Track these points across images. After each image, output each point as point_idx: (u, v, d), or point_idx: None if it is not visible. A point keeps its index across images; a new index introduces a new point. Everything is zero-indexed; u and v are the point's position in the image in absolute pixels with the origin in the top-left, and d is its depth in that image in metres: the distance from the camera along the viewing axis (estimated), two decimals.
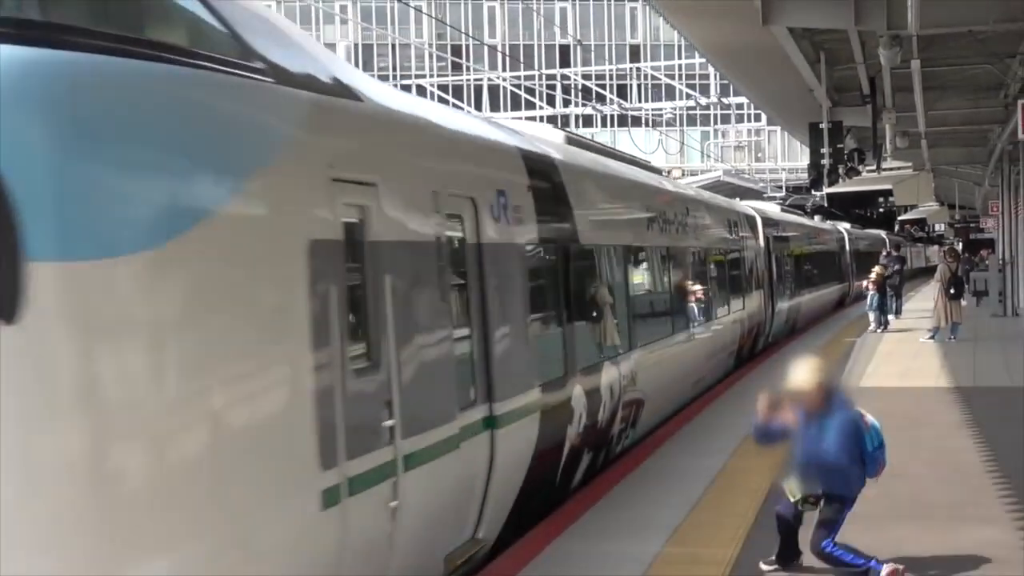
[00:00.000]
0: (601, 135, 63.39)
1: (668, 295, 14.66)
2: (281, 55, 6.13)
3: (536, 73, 50.74)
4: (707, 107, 55.14)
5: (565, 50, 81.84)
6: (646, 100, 69.81)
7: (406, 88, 34.40)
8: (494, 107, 58.30)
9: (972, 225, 57.92)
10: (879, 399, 7.51)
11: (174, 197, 4.94)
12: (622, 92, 64.68)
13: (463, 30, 71.34)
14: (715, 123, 74.69)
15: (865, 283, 27.86)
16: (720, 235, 19.04)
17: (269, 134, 5.70)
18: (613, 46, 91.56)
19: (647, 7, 50.36)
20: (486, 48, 70.63)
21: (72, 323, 4.47)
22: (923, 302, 30.52)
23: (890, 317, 27.14)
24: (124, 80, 4.91)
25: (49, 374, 4.44)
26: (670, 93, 61.91)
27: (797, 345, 22.95)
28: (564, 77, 51.61)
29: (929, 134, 27.55)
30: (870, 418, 7.27)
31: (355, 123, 6.67)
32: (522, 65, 61.52)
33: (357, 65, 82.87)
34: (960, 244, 54.00)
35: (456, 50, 72.07)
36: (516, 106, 45.43)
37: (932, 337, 22.97)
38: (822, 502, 7.11)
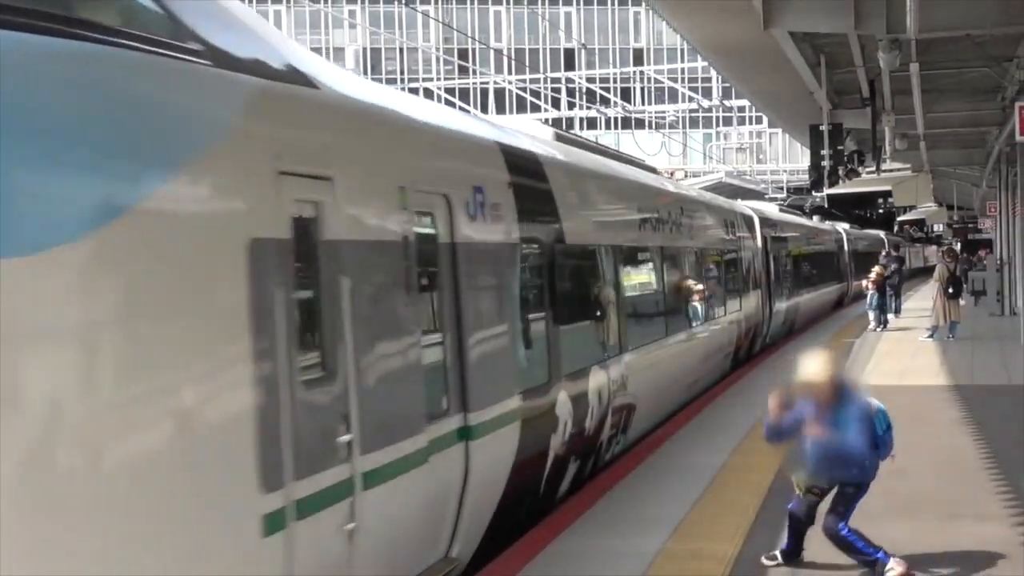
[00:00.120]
0: (605, 137, 63.26)
1: (661, 296, 14.09)
2: (224, 38, 5.57)
3: (541, 76, 50.78)
4: (709, 110, 55.15)
5: (570, 54, 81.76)
6: (649, 103, 69.78)
7: (413, 91, 34.37)
8: (500, 110, 58.34)
9: (970, 226, 57.87)
10: (879, 397, 7.43)
11: (87, 189, 4.41)
12: (626, 95, 64.64)
13: (470, 34, 71.33)
14: (717, 125, 74.71)
15: (865, 283, 27.83)
16: (716, 235, 18.52)
17: (202, 121, 5.10)
18: (617, 50, 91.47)
19: (650, 12, 50.40)
20: (492, 52, 70.60)
21: None
22: (922, 301, 30.49)
23: (889, 316, 27.13)
24: (30, 59, 4.35)
25: None
26: (673, 96, 61.82)
27: (797, 346, 22.91)
28: (569, 80, 51.56)
29: (928, 136, 27.51)
30: (875, 402, 7.28)
31: (308, 112, 6.08)
32: (527, 68, 61.57)
33: (365, 69, 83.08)
34: (958, 244, 53.91)
35: (463, 54, 71.99)
36: (522, 109, 45.41)
37: (931, 336, 22.95)
38: (837, 488, 7.09)
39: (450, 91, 41.85)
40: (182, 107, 5.03)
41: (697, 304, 16.06)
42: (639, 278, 13.33)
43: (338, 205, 5.95)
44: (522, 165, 9.40)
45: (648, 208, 13.77)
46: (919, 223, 73.93)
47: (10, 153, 4.11)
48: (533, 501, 9.00)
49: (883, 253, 33.09)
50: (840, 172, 23.27)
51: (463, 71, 63.77)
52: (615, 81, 65.00)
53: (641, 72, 71.11)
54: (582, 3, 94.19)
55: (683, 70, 62.69)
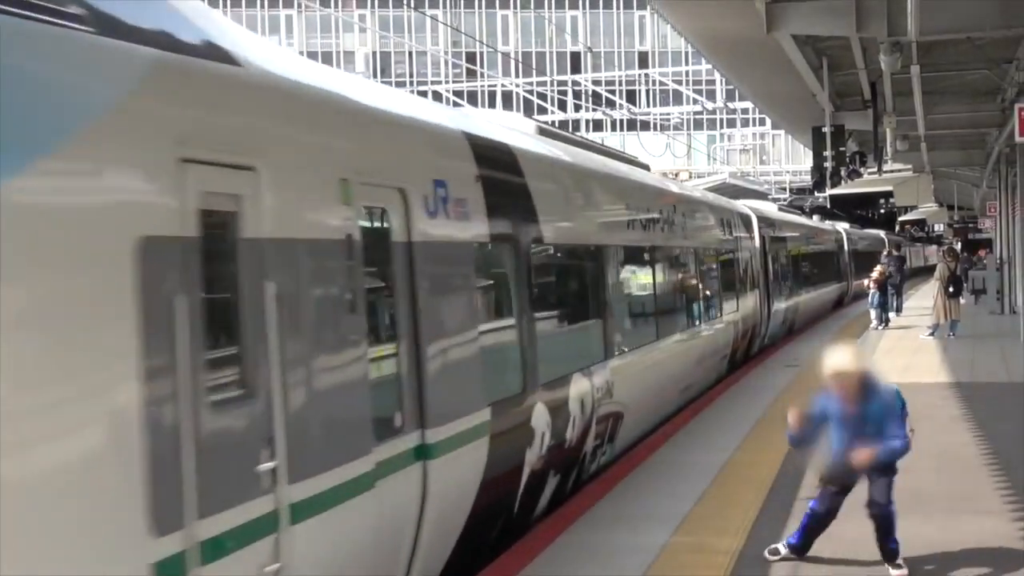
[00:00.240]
0: (611, 139, 63.30)
1: (652, 298, 13.23)
2: (118, 5, 4.74)
3: (548, 79, 50.78)
4: (713, 112, 55.05)
5: (576, 57, 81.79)
6: (654, 105, 69.65)
7: (422, 94, 34.36)
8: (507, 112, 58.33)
9: (970, 225, 57.77)
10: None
11: None
12: (631, 97, 64.62)
13: (477, 38, 71.35)
14: (721, 127, 74.58)
15: (867, 282, 27.80)
16: (712, 234, 17.70)
17: (77, 98, 4.25)
18: (622, 53, 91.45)
19: (655, 16, 50.35)
20: (500, 55, 70.61)
21: None
22: (923, 300, 30.46)
23: (891, 315, 27.12)
24: None
25: None
26: (678, 98, 61.83)
27: (796, 346, 22.88)
28: (575, 83, 51.55)
29: (928, 137, 27.47)
30: (891, 384, 7.25)
31: (224, 92, 5.18)
32: (534, 71, 61.56)
33: (375, 72, 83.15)
34: (959, 244, 53.83)
35: (471, 57, 72.05)
36: (529, 111, 45.44)
37: (932, 334, 22.92)
38: (875, 473, 6.99)
39: (458, 94, 41.90)
40: (50, 81, 4.18)
41: (690, 306, 15.41)
42: (627, 280, 12.49)
43: (262, 199, 5.16)
44: (493, 158, 8.56)
45: (638, 206, 12.95)
46: (920, 223, 73.87)
47: None
48: (507, 520, 8.26)
49: (884, 253, 33.04)
50: (842, 173, 23.25)
51: (471, 74, 63.82)
52: (620, 84, 65.05)
53: (646, 75, 71.06)
54: (588, 7, 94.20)
55: (687, 73, 62.65)
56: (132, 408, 4.25)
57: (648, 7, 27.76)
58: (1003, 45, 18.24)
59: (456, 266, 7.49)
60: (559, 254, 10.11)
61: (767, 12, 15.59)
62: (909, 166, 37.60)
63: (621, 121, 67.27)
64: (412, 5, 44.47)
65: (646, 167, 16.03)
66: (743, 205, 22.92)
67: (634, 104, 59.14)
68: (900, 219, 70.32)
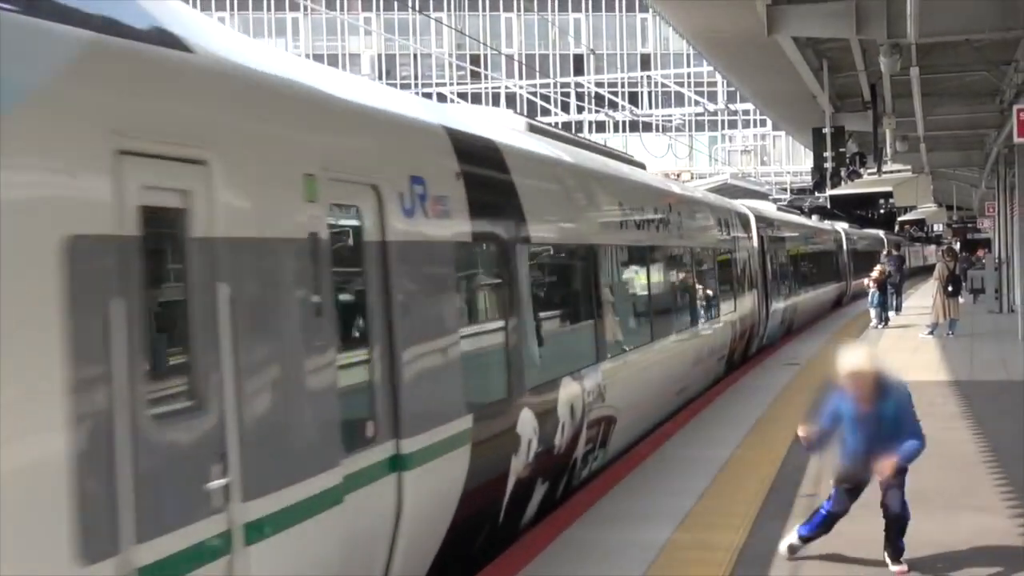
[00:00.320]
0: (614, 140, 63.28)
1: (646, 299, 12.75)
2: None
3: (551, 81, 50.78)
4: (715, 113, 55.01)
5: (579, 59, 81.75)
6: (657, 107, 69.60)
7: (427, 96, 34.40)
8: None
9: (969, 225, 57.70)
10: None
11: None
12: (634, 99, 64.63)
13: (482, 40, 71.33)
14: (722, 128, 74.46)
15: (867, 281, 27.77)
16: (709, 233, 17.22)
17: None
18: (625, 55, 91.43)
19: (657, 19, 50.34)
20: (503, 57, 70.57)
21: None
22: (922, 299, 30.43)
23: (890, 314, 27.10)
24: None
25: None
26: (679, 100, 61.77)
27: (795, 346, 22.86)
28: (578, 85, 51.53)
29: (928, 138, 27.44)
30: (901, 379, 7.21)
31: (171, 79, 4.73)
32: (538, 74, 61.52)
33: (381, 74, 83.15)
34: (958, 244, 53.78)
35: (475, 59, 72.07)
36: (532, 113, 45.46)
37: (931, 333, 22.90)
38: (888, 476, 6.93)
39: (463, 95, 41.89)
40: None
41: (686, 306, 14.99)
42: (620, 280, 12.04)
43: (214, 195, 4.75)
44: (477, 154, 8.13)
45: (632, 205, 12.48)
46: (919, 223, 73.76)
47: None
48: (491, 531, 7.88)
49: (884, 252, 33.00)
50: (842, 173, 23.24)
51: (475, 76, 63.81)
52: (623, 85, 65.04)
53: (648, 77, 71.02)
54: (591, 9, 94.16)
55: (689, 75, 62.64)
56: (57, 423, 3.89)
57: (650, 10, 27.79)
58: (1002, 47, 18.23)
59: (435, 267, 7.05)
60: (548, 254, 9.68)
61: (768, 14, 15.58)
62: (908, 167, 37.58)
63: (624, 122, 67.20)
64: (417, 8, 44.46)
65: (642, 166, 15.63)
66: (741, 205, 22.46)
67: (636, 106, 59.14)
68: (900, 219, 70.24)
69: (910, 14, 13.05)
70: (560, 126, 31.12)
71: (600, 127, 73.37)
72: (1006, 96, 21.24)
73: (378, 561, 6.15)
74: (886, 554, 7.04)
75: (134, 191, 4.31)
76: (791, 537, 7.35)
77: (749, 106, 43.54)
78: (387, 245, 6.31)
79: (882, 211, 65.10)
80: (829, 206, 48.09)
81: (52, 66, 4.09)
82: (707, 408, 14.04)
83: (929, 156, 31.84)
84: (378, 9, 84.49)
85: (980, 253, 44.41)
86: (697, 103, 48.81)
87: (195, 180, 4.68)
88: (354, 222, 6.16)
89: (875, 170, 29.11)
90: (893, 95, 21.26)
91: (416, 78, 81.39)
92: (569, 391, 9.34)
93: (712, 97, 59.12)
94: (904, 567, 6.95)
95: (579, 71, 70.27)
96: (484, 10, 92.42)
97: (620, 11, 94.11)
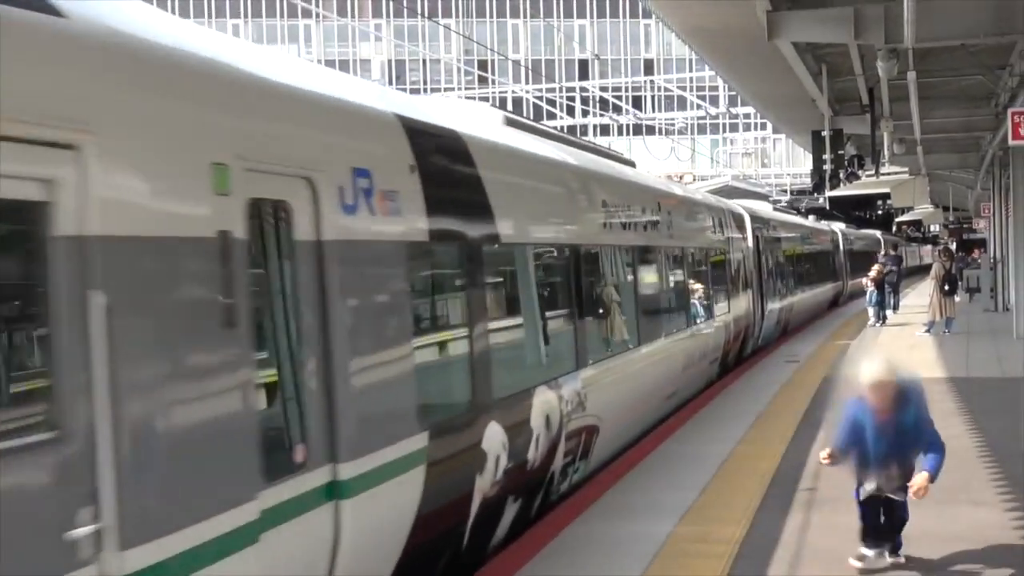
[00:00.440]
0: (618, 143, 63.27)
1: (632, 301, 11.84)
2: None
3: (557, 86, 50.72)
4: (716, 117, 54.99)
5: (584, 64, 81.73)
6: (659, 110, 69.58)
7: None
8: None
9: (965, 226, 57.60)
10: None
11: None
12: (637, 103, 64.53)
13: (489, 46, 71.31)
14: (724, 131, 74.44)
15: (865, 280, 27.71)
16: (702, 233, 16.39)
17: None
18: (628, 60, 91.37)
19: (660, 24, 50.33)
20: (510, 63, 70.56)
21: None
22: (919, 298, 30.40)
23: (888, 312, 27.07)
24: None
25: None
26: (682, 104, 61.72)
27: (794, 345, 22.81)
28: (583, 89, 51.51)
29: (924, 141, 27.38)
30: (915, 376, 7.07)
31: (29, 47, 3.88)
32: (544, 78, 61.52)
33: (390, 79, 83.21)
34: (954, 244, 53.67)
35: (482, 65, 72.08)
36: (539, 117, 45.46)
37: (928, 331, 22.88)
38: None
39: (470, 100, 41.85)
40: None
41: (676, 308, 14.19)
42: (603, 282, 11.16)
43: (87, 186, 3.99)
44: (436, 146, 7.28)
45: (618, 203, 11.53)
46: (916, 223, 73.63)
47: None
48: (453, 557, 7.14)
49: (882, 252, 32.95)
50: (841, 175, 23.25)
51: (483, 81, 63.80)
52: (627, 90, 64.98)
53: (651, 81, 70.99)
54: (595, 16, 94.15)
55: (691, 79, 62.58)
56: None
57: (653, 17, 27.79)
58: (997, 52, 18.19)
59: (383, 268, 6.23)
60: (520, 254, 8.82)
61: (768, 20, 15.55)
62: (906, 169, 37.47)
63: (627, 126, 67.23)
64: (426, 15, 44.45)
65: (631, 164, 14.76)
66: (736, 204, 21.73)
67: (640, 109, 59.06)
68: (897, 220, 70.13)
69: (907, 20, 13.03)
70: (566, 129, 31.16)
71: (604, 130, 73.36)
72: (1001, 100, 21.18)
73: None
74: (886, 549, 7.02)
75: None
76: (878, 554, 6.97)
77: (750, 110, 43.48)
78: (323, 245, 5.51)
79: (880, 212, 65.01)
80: (828, 207, 47.99)
81: None
82: (708, 405, 14.02)
83: (926, 158, 31.77)
84: (388, 16, 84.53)
85: (976, 253, 44.33)
86: (699, 107, 48.72)
87: (62, 168, 3.91)
88: (281, 219, 5.30)
89: (873, 172, 29.10)
90: (891, 99, 21.21)
91: (425, 83, 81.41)
92: (544, 401, 8.53)
93: (714, 101, 59.08)
94: (901, 559, 6.94)
95: (584, 76, 70.21)
96: (491, 16, 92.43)
97: (624, 17, 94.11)
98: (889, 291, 28.03)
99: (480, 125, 8.61)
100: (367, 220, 5.99)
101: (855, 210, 58.88)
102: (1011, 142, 16.83)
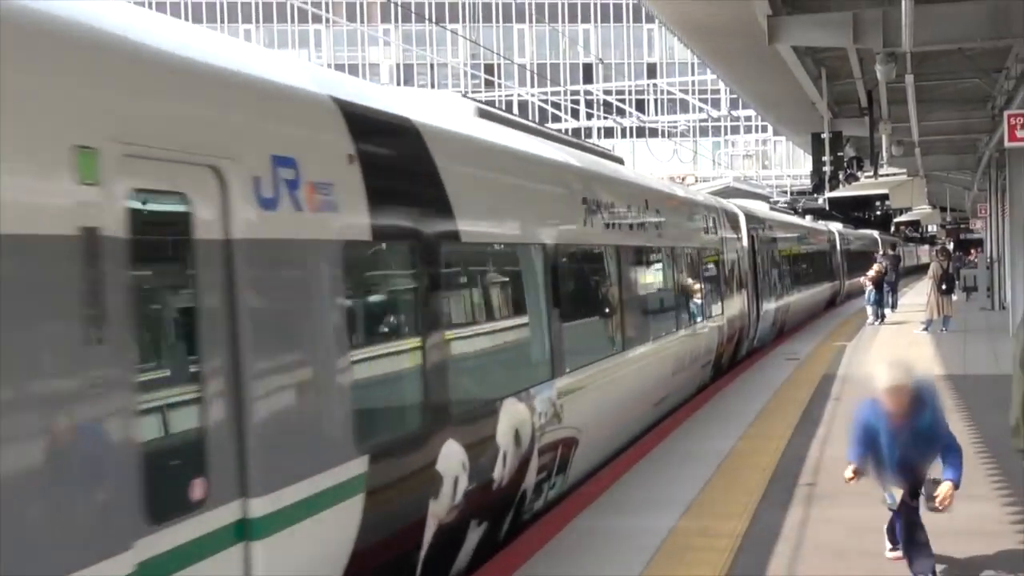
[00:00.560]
0: (621, 145, 63.19)
1: (617, 304, 10.99)
2: None
3: (561, 89, 50.65)
4: (718, 119, 54.94)
5: (588, 68, 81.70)
6: (662, 113, 69.56)
7: None
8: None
9: (962, 226, 57.52)
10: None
11: None
12: (640, 106, 64.52)
13: (495, 51, 71.31)
14: (725, 134, 74.35)
15: (864, 279, 27.67)
16: (694, 233, 15.56)
17: None
18: (632, 64, 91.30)
19: (663, 29, 50.30)
20: (516, 67, 70.55)
21: None
22: (917, 297, 30.36)
23: (886, 311, 27.04)
24: None
25: None
26: (684, 107, 61.71)
27: (792, 345, 22.75)
28: (587, 93, 51.49)
29: (922, 143, 27.34)
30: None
31: None
32: (548, 82, 61.50)
33: (399, 83, 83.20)
34: (951, 244, 53.59)
35: (489, 69, 72.04)
36: (544, 119, 45.44)
37: (925, 329, 22.85)
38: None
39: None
40: None
41: (665, 310, 13.34)
42: (583, 284, 10.44)
43: None
44: (383, 134, 6.46)
45: (600, 201, 10.62)
46: (914, 224, 73.58)
47: None
48: None
49: (880, 252, 32.92)
50: (840, 177, 23.20)
51: (489, 85, 63.79)
52: (630, 93, 64.92)
53: (654, 85, 70.92)
54: (599, 21, 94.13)
55: (693, 83, 62.58)
56: None
57: (656, 22, 27.74)
58: (993, 55, 18.18)
59: (311, 271, 5.35)
60: (485, 254, 8.04)
61: (769, 24, 15.54)
62: (904, 170, 37.45)
63: (631, 128, 67.17)
64: (434, 20, 44.47)
65: (619, 160, 13.81)
66: (731, 203, 20.84)
67: (643, 112, 59.05)
68: (895, 220, 70.06)
69: (905, 24, 13.01)
70: (570, 132, 31.11)
71: (608, 133, 73.34)
72: (997, 102, 21.15)
73: None
74: (887, 538, 7.00)
75: None
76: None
77: (751, 112, 43.45)
78: (232, 244, 4.67)
79: (879, 213, 64.94)
80: (827, 208, 47.91)
81: None
82: (708, 404, 14.01)
83: (924, 160, 31.73)
84: (397, 20, 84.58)
85: (973, 253, 44.26)
86: (701, 110, 48.68)
87: None
88: (177, 214, 4.46)
89: (872, 173, 29.06)
90: (889, 101, 21.19)
91: (433, 86, 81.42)
92: (513, 414, 7.70)
93: (715, 104, 59.03)
94: (900, 553, 6.92)
95: (588, 79, 70.21)
96: (498, 21, 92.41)
97: (627, 22, 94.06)
98: (887, 290, 28.01)
99: (448, 116, 7.81)
100: (291, 216, 5.14)
101: (854, 211, 58.80)
102: (1007, 144, 16.79)
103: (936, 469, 6.46)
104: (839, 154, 22.37)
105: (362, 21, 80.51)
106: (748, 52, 18.18)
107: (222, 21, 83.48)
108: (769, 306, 21.99)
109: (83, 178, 3.89)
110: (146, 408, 4.24)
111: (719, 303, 16.72)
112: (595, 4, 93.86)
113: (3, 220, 3.57)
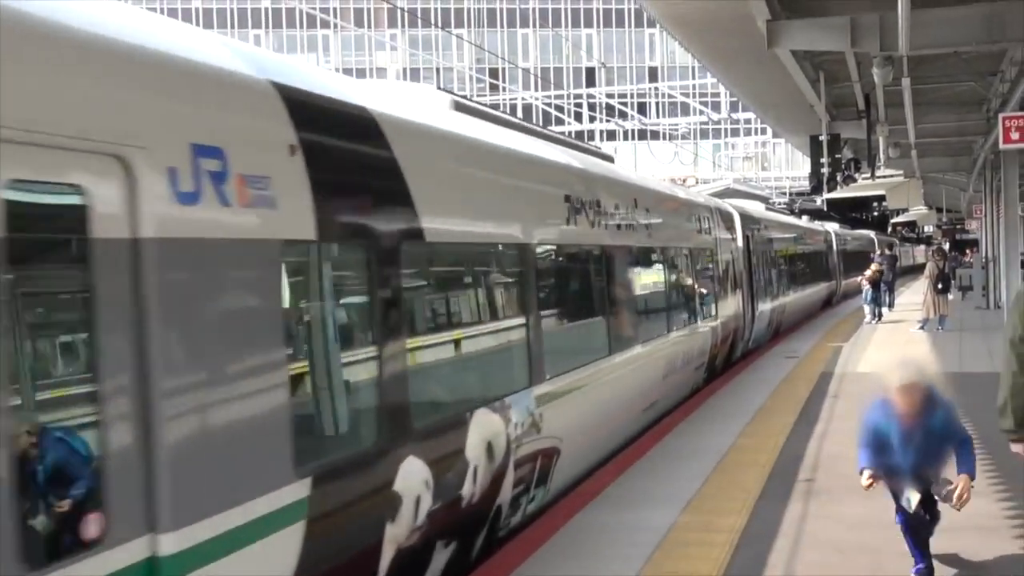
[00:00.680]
0: (623, 148, 63.20)
1: (602, 307, 10.44)
2: None
3: (565, 93, 50.70)
4: (718, 122, 54.91)
5: (591, 72, 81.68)
6: (663, 116, 69.55)
7: None
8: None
9: (958, 227, 57.53)
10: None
11: None
12: (642, 109, 64.53)
13: (500, 55, 71.28)
14: (725, 136, 74.30)
15: (861, 279, 27.65)
16: (687, 233, 14.95)
17: None
18: (634, 68, 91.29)
19: (664, 33, 50.31)
20: (520, 71, 70.51)
21: None
22: (913, 296, 30.30)
23: (883, 310, 27.01)
24: None
25: None
26: (685, 110, 61.70)
27: (792, 344, 22.71)
28: (590, 96, 51.47)
29: (919, 145, 27.34)
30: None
31: None
32: (552, 86, 61.48)
33: None
34: (947, 244, 53.52)
35: (493, 73, 72.05)
36: (547, 123, 45.45)
37: (922, 328, 22.81)
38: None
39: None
40: None
41: (654, 312, 12.73)
42: (566, 286, 9.87)
43: None
44: (332, 124, 5.76)
45: (586, 199, 9.97)
46: (911, 224, 73.53)
47: None
48: None
49: (878, 252, 32.86)
50: (838, 178, 23.19)
51: (494, 88, 63.79)
52: (632, 96, 64.94)
53: (656, 88, 70.94)
54: (602, 25, 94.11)
55: (694, 86, 62.50)
56: None
57: (657, 26, 27.74)
58: (988, 59, 18.15)
59: (240, 273, 4.70)
60: (453, 255, 7.34)
61: (768, 29, 15.55)
62: (900, 172, 37.46)
63: (633, 131, 67.10)
64: (440, 25, 44.49)
65: (608, 158, 13.06)
66: (726, 203, 20.20)
67: (644, 115, 59.03)
68: (892, 221, 70.02)
69: (902, 28, 12.99)
70: (573, 135, 31.11)
71: (611, 135, 73.34)
72: (992, 105, 21.13)
73: None
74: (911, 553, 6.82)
75: None
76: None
77: (751, 115, 43.43)
78: (140, 244, 4.06)
79: (876, 214, 64.90)
80: (825, 209, 47.88)
81: None
82: (708, 402, 13.98)
83: (920, 162, 31.72)
84: (403, 26, 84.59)
85: (968, 253, 44.20)
86: (702, 112, 48.70)
87: None
88: (69, 207, 3.86)
89: (869, 175, 29.04)
90: (886, 104, 21.18)
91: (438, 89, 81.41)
92: (485, 426, 7.09)
93: (716, 107, 58.99)
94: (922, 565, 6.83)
95: (591, 83, 70.18)
96: (502, 26, 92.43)
97: (629, 27, 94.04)
98: (884, 289, 27.98)
99: (416, 108, 7.14)
100: (215, 213, 4.47)
101: (852, 212, 58.75)
102: (1002, 146, 16.77)
103: (948, 469, 6.25)
104: (837, 156, 22.37)
105: (369, 26, 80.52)
106: (746, 53, 18.17)
107: (232, 26, 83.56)
108: (764, 307, 21.63)
109: None
110: (25, 433, 3.65)
111: (713, 304, 16.20)
112: (597, 9, 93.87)
113: None
